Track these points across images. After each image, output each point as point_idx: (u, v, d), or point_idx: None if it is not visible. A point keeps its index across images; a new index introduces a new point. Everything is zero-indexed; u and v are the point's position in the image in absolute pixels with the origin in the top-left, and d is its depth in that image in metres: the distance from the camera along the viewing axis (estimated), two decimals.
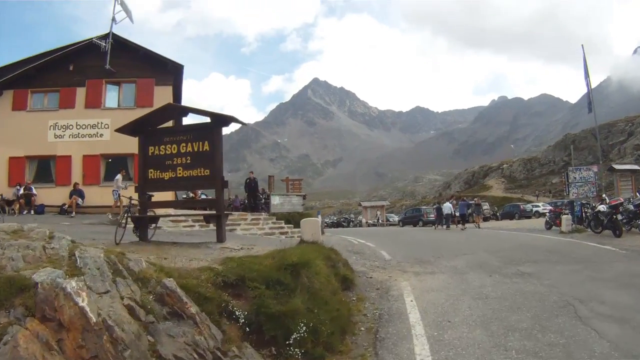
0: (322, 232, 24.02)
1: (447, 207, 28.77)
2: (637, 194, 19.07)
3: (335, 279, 7.76)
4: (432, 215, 37.29)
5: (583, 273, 9.39)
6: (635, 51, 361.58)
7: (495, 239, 18.80)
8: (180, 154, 9.45)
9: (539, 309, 6.69)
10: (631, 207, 16.75)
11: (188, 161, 9.38)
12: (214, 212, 9.91)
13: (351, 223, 58.59)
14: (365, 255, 13.68)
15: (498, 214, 46.65)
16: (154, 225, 10.35)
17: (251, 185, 24.85)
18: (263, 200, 25.91)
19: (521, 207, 46.02)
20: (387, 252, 14.01)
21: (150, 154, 9.69)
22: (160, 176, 9.62)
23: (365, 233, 28.78)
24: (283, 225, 20.82)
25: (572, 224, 19.37)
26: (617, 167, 21.58)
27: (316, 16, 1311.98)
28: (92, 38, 20.94)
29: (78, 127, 20.68)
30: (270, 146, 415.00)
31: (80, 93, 21.01)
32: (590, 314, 6.30)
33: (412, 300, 7.58)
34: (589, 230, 18.22)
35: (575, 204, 20.38)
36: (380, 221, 51.53)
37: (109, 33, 20.78)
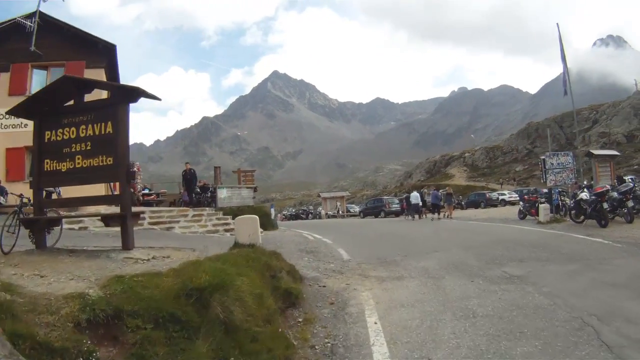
0: (276, 227, 22.96)
1: (415, 197, 28.21)
2: (628, 179, 17.84)
3: (273, 296, 5.88)
4: (395, 206, 37.29)
5: (585, 275, 7.86)
6: (594, 44, 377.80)
7: (467, 231, 17.48)
8: (79, 139, 7.44)
9: (549, 334, 4.95)
10: (615, 194, 15.53)
11: (88, 148, 7.38)
12: (118, 212, 7.73)
13: (310, 215, 58.39)
14: (320, 255, 11.99)
15: (463, 203, 46.10)
16: (56, 228, 8.16)
17: (187, 178, 22.64)
18: (209, 194, 23.83)
19: (487, 195, 46.07)
20: (345, 251, 12.54)
21: (46, 141, 7.69)
22: (57, 167, 7.59)
23: (324, 226, 27.93)
24: (229, 221, 19.04)
25: (550, 214, 18.12)
26: (595, 152, 20.49)
27: (277, 9, 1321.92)
28: (16, 17, 19.08)
29: (0, 117, 18.62)
30: (230, 139, 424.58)
31: (4, 78, 19.26)
32: (620, 340, 4.62)
33: (375, 322, 5.76)
34: (569, 219, 17.18)
35: (553, 192, 19.15)
36: (340, 212, 50.83)
37: (35, 11, 19.01)
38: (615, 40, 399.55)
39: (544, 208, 18.09)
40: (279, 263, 7.67)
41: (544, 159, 19.64)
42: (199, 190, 23.65)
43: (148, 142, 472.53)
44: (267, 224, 21.03)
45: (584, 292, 6.65)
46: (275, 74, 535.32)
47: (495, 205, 43.09)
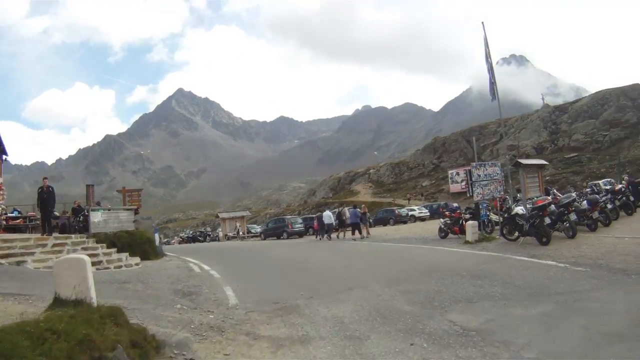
0: (160, 255, 20.23)
1: (328, 217, 27.45)
2: (573, 191, 16.57)
3: None
4: (299, 225, 36.65)
5: (570, 322, 5.81)
6: (497, 62, 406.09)
7: (384, 256, 15.34)
8: None
9: None
10: (553, 207, 14.05)
11: None
12: None
13: (208, 237, 56.62)
14: (200, 298, 9.50)
15: (370, 220, 44.62)
16: None
17: (42, 197, 18.41)
18: (82, 217, 20.15)
19: (396, 211, 44.99)
20: (234, 290, 10.24)
21: None
22: None
23: (218, 251, 26.36)
24: (99, 251, 15.66)
25: (478, 231, 16.49)
26: (523, 161, 19.15)
27: (184, 26, 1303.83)
28: None
29: None
30: (133, 158, 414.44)
31: None
32: None
33: None
34: (501, 237, 15.65)
35: (480, 206, 17.51)
36: (240, 234, 48.48)
37: None
38: (517, 60, 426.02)
39: (472, 226, 16.34)
40: (115, 332, 4.76)
41: (470, 170, 17.96)
42: (57, 213, 20.06)
43: (50, 161, 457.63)
44: (150, 251, 19.43)
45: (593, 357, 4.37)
46: (180, 91, 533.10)
47: (405, 222, 42.26)
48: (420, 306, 7.15)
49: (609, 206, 17.50)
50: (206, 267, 15.40)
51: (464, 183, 64.01)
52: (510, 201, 17.99)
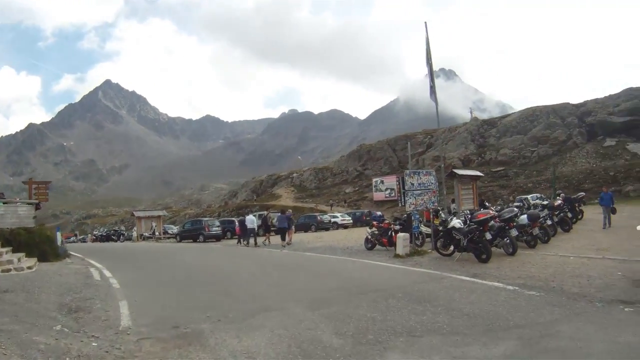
0: (62, 256, 18.79)
1: (251, 221, 26.19)
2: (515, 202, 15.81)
3: None
4: (216, 228, 35.68)
5: None
6: (426, 75, 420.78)
7: (307, 270, 13.95)
8: None
9: None
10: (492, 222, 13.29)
11: None
12: None
13: (122, 237, 54.08)
14: (89, 316, 8.07)
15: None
16: None
17: None
18: None
19: (318, 217, 44.53)
20: (130, 306, 8.89)
21: None
22: None
23: (129, 253, 25.27)
24: None
25: (409, 244, 15.44)
26: (459, 172, 18.47)
27: (118, 16, 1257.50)
28: None
29: None
30: (55, 149, 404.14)
31: None
32: None
33: None
34: (434, 251, 14.77)
35: (413, 217, 16.44)
36: (156, 234, 46.39)
37: None
38: (446, 73, 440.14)
39: (402, 238, 15.24)
40: None
41: (402, 178, 16.79)
42: None
43: None
44: (50, 252, 17.92)
45: None
46: (107, 83, 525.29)
47: (327, 229, 41.57)
48: (352, 340, 5.84)
49: (548, 222, 17.11)
50: (107, 274, 14.02)
51: (388, 191, 64.34)
52: (444, 213, 17.16)
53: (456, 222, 13.58)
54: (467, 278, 10.05)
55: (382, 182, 66.42)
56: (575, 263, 11.48)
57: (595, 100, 66.85)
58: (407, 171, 16.77)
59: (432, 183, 17.19)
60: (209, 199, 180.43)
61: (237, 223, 31.48)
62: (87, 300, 9.44)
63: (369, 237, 18.40)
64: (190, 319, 7.39)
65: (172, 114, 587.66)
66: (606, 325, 6.12)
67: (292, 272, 13.32)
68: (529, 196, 37.92)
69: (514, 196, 44.16)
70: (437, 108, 17.51)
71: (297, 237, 29.65)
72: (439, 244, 14.33)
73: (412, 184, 16.29)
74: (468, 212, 18.82)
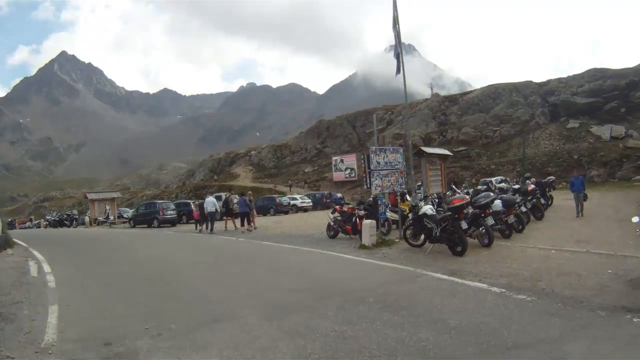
0: (4, 246, 17.45)
1: (211, 203, 24.74)
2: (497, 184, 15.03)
3: None
4: (171, 212, 34.19)
5: None
6: (385, 49, 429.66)
7: (265, 264, 12.71)
8: None
9: None
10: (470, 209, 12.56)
11: None
12: None
13: (75, 221, 51.94)
14: (11, 327, 7.00)
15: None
16: None
17: None
18: None
19: (277, 200, 43.91)
20: (60, 313, 7.68)
21: None
22: None
23: (74, 243, 23.55)
24: None
25: (376, 233, 14.53)
26: (427, 149, 17.55)
27: None
28: None
29: None
30: (11, 127, 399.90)
31: None
32: None
33: None
34: (403, 241, 13.85)
35: (379, 201, 15.41)
36: (110, 219, 44.81)
37: None
38: (406, 48, 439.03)
39: (369, 226, 14.26)
40: None
41: (368, 156, 15.66)
42: None
43: None
44: None
45: None
46: (63, 54, 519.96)
47: (287, 212, 41.29)
48: None
49: (523, 209, 16.46)
50: (46, 269, 12.73)
51: (348, 171, 63.70)
52: (414, 196, 16.22)
53: (428, 209, 12.65)
54: (445, 277, 9.12)
55: (341, 161, 65.92)
56: (558, 258, 10.74)
57: (559, 80, 67.45)
58: (374, 148, 15.56)
59: (399, 162, 16.16)
60: (167, 178, 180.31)
61: (194, 207, 30.27)
62: (14, 304, 8.25)
63: (331, 223, 17.34)
64: (126, 332, 6.30)
65: (129, 87, 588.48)
66: (620, 343, 5.30)
67: (248, 267, 12.14)
68: (492, 179, 37.63)
69: (477, 178, 44.01)
70: (404, 79, 16.36)
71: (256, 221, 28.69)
72: (408, 233, 13.43)
73: (378, 163, 15.18)
74: (435, 195, 18.12)
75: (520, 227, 14.95)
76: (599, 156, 47.59)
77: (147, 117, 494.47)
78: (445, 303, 7.18)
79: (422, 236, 12.96)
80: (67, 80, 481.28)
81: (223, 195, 36.14)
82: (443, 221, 11.94)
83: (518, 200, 16.22)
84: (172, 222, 33.46)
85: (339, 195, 51.26)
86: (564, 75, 70.11)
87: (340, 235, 17.03)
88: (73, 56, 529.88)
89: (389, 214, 17.07)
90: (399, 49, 16.44)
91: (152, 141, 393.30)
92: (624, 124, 54.33)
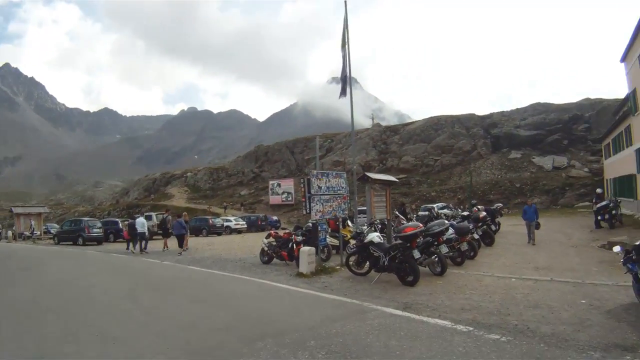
0: None
1: (141, 224, 23.63)
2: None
3: None
4: (97, 230, 32.95)
5: None
6: (328, 81, 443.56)
7: (189, 291, 11.06)
8: None
9: None
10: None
11: None
12: None
13: None
14: None
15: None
16: None
17: None
18: None
19: (210, 221, 42.05)
20: None
21: None
22: None
23: None
24: None
25: (314, 259, 13.11)
26: (372, 175, 16.34)
27: None
28: None
29: None
30: None
31: None
32: None
33: None
34: (344, 268, 12.71)
35: (319, 227, 14.03)
36: (36, 233, 42.78)
37: None
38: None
39: (307, 253, 12.84)
40: None
41: (308, 180, 14.29)
42: None
43: None
44: None
45: None
46: (6, 67, 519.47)
47: (220, 234, 40.32)
48: None
49: (475, 236, 15.49)
50: None
51: (285, 195, 62.63)
52: (356, 223, 14.99)
53: (375, 236, 11.46)
54: (398, 312, 7.78)
55: (279, 185, 65.04)
56: (522, 287, 9.77)
57: (502, 113, 68.94)
58: (315, 172, 14.24)
59: (342, 187, 15.03)
60: (102, 196, 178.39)
61: (123, 226, 28.81)
62: None
63: (266, 248, 15.85)
64: None
65: (70, 104, 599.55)
66: None
67: (168, 298, 10.30)
68: (434, 205, 37.12)
69: (417, 204, 43.60)
70: (351, 101, 15.37)
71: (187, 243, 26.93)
72: (351, 260, 12.11)
73: (320, 187, 13.93)
74: (379, 222, 16.98)
75: (472, 253, 14.12)
76: (541, 184, 48.35)
77: (86, 135, 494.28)
78: (405, 347, 5.82)
79: (367, 264, 11.72)
80: (8, 93, 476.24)
81: (153, 215, 34.95)
82: (392, 250, 10.80)
83: (471, 227, 15.21)
84: (98, 241, 31.98)
85: (275, 218, 50.21)
86: (504, 109, 71.36)
87: (275, 261, 15.62)
88: (16, 69, 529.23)
89: (329, 240, 15.76)
90: (348, 71, 15.44)
91: (89, 158, 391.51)
92: (566, 155, 55.77)
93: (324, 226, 14.40)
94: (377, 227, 17.18)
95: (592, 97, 66.70)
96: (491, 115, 69.38)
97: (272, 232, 16.67)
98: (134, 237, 23.81)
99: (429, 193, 52.51)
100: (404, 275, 10.39)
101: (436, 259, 11.30)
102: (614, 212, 22.21)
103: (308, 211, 14.03)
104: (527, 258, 14.50)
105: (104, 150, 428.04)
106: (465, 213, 20.83)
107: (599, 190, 25.35)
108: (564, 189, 46.99)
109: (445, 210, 37.09)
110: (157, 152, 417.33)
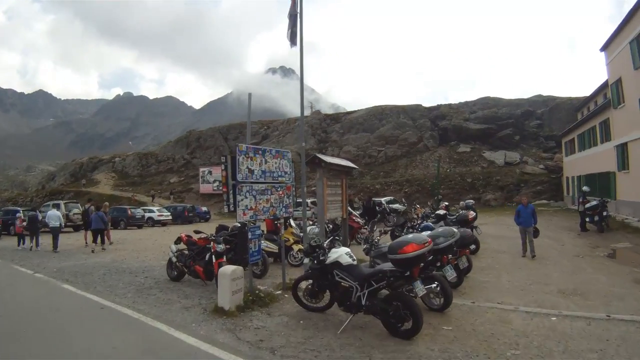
0: None
1: (55, 217, 20.21)
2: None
3: None
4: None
5: None
6: (265, 71, 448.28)
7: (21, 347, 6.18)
8: None
9: None
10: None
11: None
12: None
13: None
14: None
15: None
16: None
17: None
18: None
19: (129, 211, 36.39)
20: None
21: None
22: None
23: None
24: None
25: (242, 288, 8.32)
26: (325, 158, 12.05)
27: None
28: None
29: None
30: None
31: None
32: None
33: None
34: (287, 294, 8.80)
35: (251, 235, 9.08)
36: None
37: None
38: (285, 71, 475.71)
39: (230, 277, 7.83)
40: None
41: (233, 158, 8.59)
42: None
43: None
44: None
45: None
46: None
47: (140, 226, 35.77)
48: None
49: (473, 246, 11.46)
50: None
51: (216, 184, 57.80)
52: (304, 225, 10.55)
53: (342, 254, 7.13)
54: None
55: (209, 172, 60.18)
56: (575, 332, 6.32)
57: (450, 106, 66.39)
58: (245, 146, 8.93)
59: (285, 172, 10.07)
60: (34, 181, 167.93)
61: (21, 218, 23.15)
62: None
63: (174, 259, 11.04)
64: None
65: (4, 85, 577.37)
66: None
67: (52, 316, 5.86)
68: (382, 199, 33.23)
69: (361, 197, 39.54)
70: (301, 53, 10.92)
71: (78, 248, 21.80)
72: (303, 286, 7.78)
73: (252, 171, 8.91)
74: (327, 222, 12.89)
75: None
76: (495, 180, 45.63)
77: (20, 117, 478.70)
78: None
79: (328, 293, 7.48)
80: None
81: (61, 204, 30.75)
82: (375, 279, 6.53)
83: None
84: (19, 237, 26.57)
85: (204, 208, 45.47)
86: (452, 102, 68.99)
87: (187, 277, 10.98)
88: None
89: (265, 245, 11.46)
90: (298, 10, 11.03)
91: (21, 142, 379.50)
92: (518, 150, 53.62)
93: (258, 231, 9.17)
94: (328, 227, 13.03)
95: (544, 94, 65.43)
96: (438, 107, 66.42)
97: (183, 235, 11.69)
98: (34, 231, 20.28)
99: (373, 185, 48.90)
100: (394, 322, 6.18)
101: (437, 287, 7.04)
102: (604, 213, 19.00)
103: (232, 208, 9.28)
104: (538, 276, 10.65)
105: (38, 133, 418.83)
106: (441, 212, 16.42)
107: (585, 189, 21.49)
108: (519, 186, 44.45)
109: (397, 205, 33.34)
110: (92, 137, 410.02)
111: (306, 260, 7.96)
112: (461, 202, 22.48)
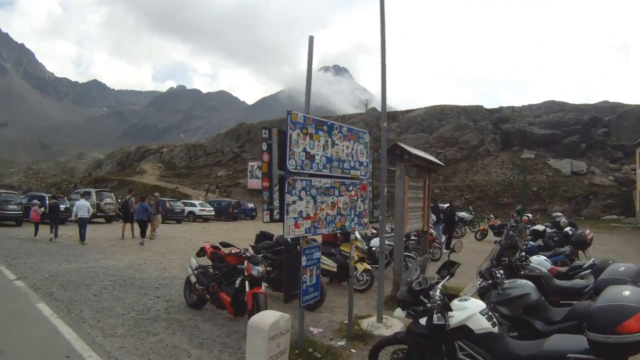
0: None
1: (84, 208, 18.94)
2: None
3: None
4: (14, 207, 26.23)
5: None
6: (319, 69, 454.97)
7: None
8: None
9: None
10: None
11: None
12: None
13: None
14: None
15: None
16: None
17: None
18: None
19: (168, 204, 32.98)
20: None
21: None
22: None
23: None
24: None
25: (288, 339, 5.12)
26: (409, 148, 9.06)
27: None
28: None
29: None
30: None
31: None
32: None
33: None
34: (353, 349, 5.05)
35: (305, 256, 5.53)
36: None
37: None
38: (338, 70, 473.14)
39: (267, 333, 4.63)
40: None
41: (284, 133, 5.27)
42: None
43: None
44: None
45: None
46: None
47: (180, 221, 33.01)
48: None
49: None
50: None
51: None
52: (382, 238, 7.43)
53: (477, 312, 3.74)
54: None
55: (259, 167, 57.43)
56: None
57: (512, 108, 62.20)
58: (301, 115, 5.77)
59: (361, 163, 6.78)
60: (83, 168, 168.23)
61: (36, 206, 21.35)
62: None
63: (193, 279, 7.76)
64: None
65: (59, 74, 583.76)
66: None
67: None
68: (444, 205, 29.68)
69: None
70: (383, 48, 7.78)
71: (106, 240, 19.32)
72: (387, 353, 4.53)
73: (311, 157, 5.68)
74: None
75: None
76: (562, 191, 41.90)
77: (73, 106, 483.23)
78: None
79: None
80: None
81: (92, 192, 28.97)
82: None
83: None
84: (17, 220, 25.80)
85: (251, 205, 41.80)
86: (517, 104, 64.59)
87: (209, 306, 7.65)
88: (7, 34, 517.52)
89: (323, 261, 8.37)
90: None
91: (74, 130, 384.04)
92: (584, 159, 49.36)
93: (316, 254, 5.83)
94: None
95: (611, 100, 60.62)
96: (501, 109, 62.51)
97: (207, 245, 8.15)
98: (55, 221, 18.91)
99: (432, 190, 45.69)
100: None
101: None
102: None
103: (276, 215, 5.42)
104: None
105: (90, 122, 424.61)
106: (539, 227, 12.72)
107: None
108: (588, 198, 40.56)
109: (464, 213, 29.65)
110: (144, 128, 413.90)
111: (398, 313, 4.46)
112: (554, 214, 18.68)
